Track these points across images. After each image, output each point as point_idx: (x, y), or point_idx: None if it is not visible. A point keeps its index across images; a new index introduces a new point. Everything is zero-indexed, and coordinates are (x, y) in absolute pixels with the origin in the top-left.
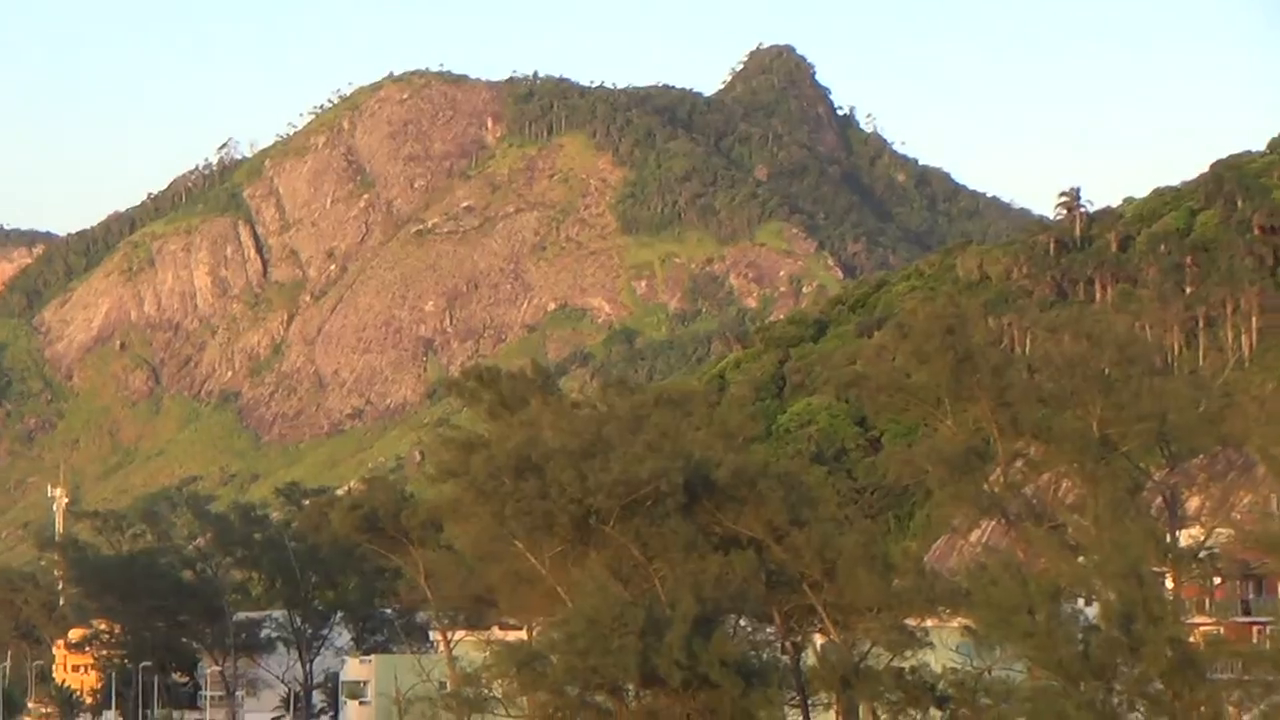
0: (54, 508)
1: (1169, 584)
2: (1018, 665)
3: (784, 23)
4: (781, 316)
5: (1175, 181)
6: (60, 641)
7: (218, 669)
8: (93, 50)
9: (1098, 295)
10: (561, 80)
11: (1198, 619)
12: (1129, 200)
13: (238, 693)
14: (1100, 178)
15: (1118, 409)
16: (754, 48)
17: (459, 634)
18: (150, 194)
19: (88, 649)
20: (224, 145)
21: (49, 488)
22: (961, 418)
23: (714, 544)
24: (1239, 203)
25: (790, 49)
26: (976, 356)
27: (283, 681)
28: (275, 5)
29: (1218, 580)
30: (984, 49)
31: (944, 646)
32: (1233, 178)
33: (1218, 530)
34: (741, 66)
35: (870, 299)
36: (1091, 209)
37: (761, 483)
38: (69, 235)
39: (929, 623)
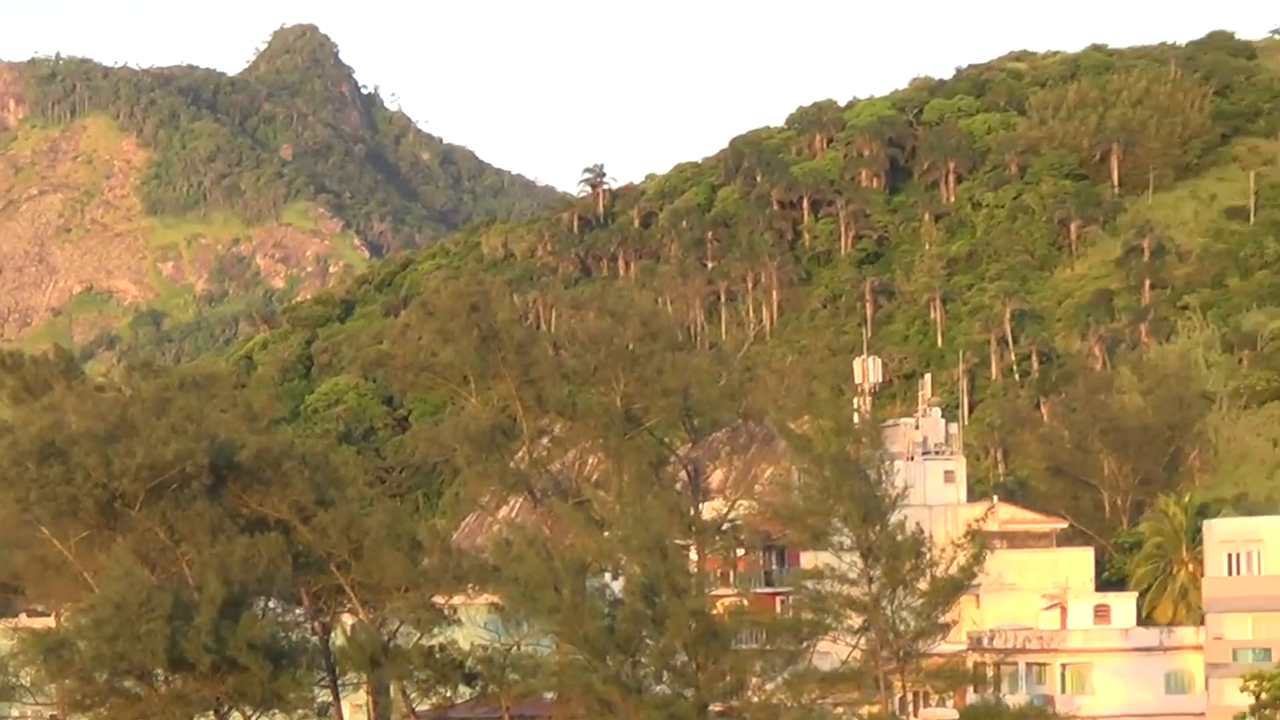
0: None
1: (693, 557)
2: (546, 640)
3: (307, 1)
4: (309, 296)
5: (696, 157)
6: None
7: None
8: None
9: (621, 271)
10: (85, 61)
11: (721, 591)
12: (651, 176)
13: None
14: (623, 154)
15: (642, 384)
16: (277, 27)
17: None
18: None
19: None
20: None
21: None
22: (487, 395)
23: (241, 526)
24: (758, 178)
25: (314, 28)
26: (501, 334)
27: None
28: None
29: (740, 552)
30: (506, 27)
31: (472, 623)
32: (752, 153)
33: (740, 503)
34: (265, 46)
35: (396, 278)
36: (615, 185)
37: (287, 463)
38: None
39: (457, 600)
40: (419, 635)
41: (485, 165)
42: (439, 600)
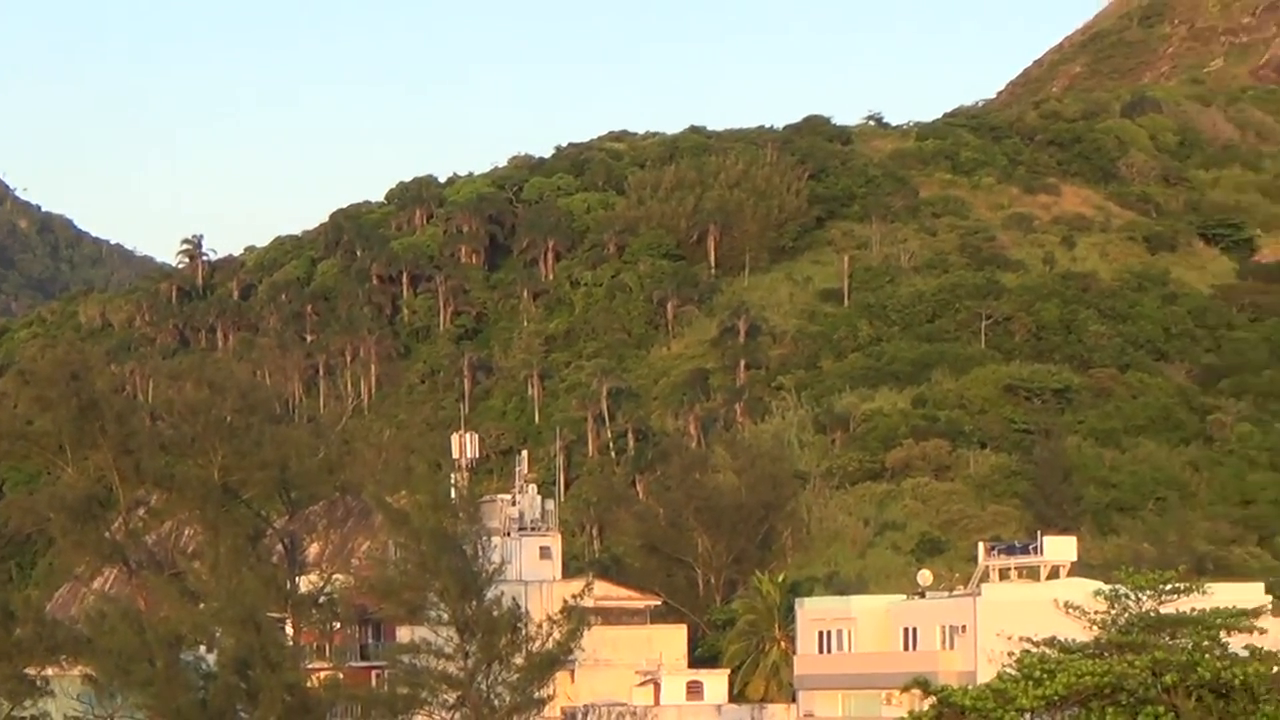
0: None
1: (289, 630)
2: (140, 713)
3: None
4: None
5: (296, 230)
6: None
7: None
8: None
9: (220, 343)
10: None
11: (317, 664)
12: (250, 249)
13: None
14: (222, 226)
15: (240, 456)
16: None
17: None
18: None
19: None
20: None
21: None
22: (84, 465)
23: None
24: (358, 252)
25: None
26: (100, 403)
27: None
28: None
29: (337, 625)
30: (100, 94)
31: (66, 695)
32: (352, 227)
33: (337, 576)
34: None
35: None
36: (214, 257)
37: None
38: None
39: (50, 671)
40: (10, 706)
41: (83, 234)
42: (31, 671)
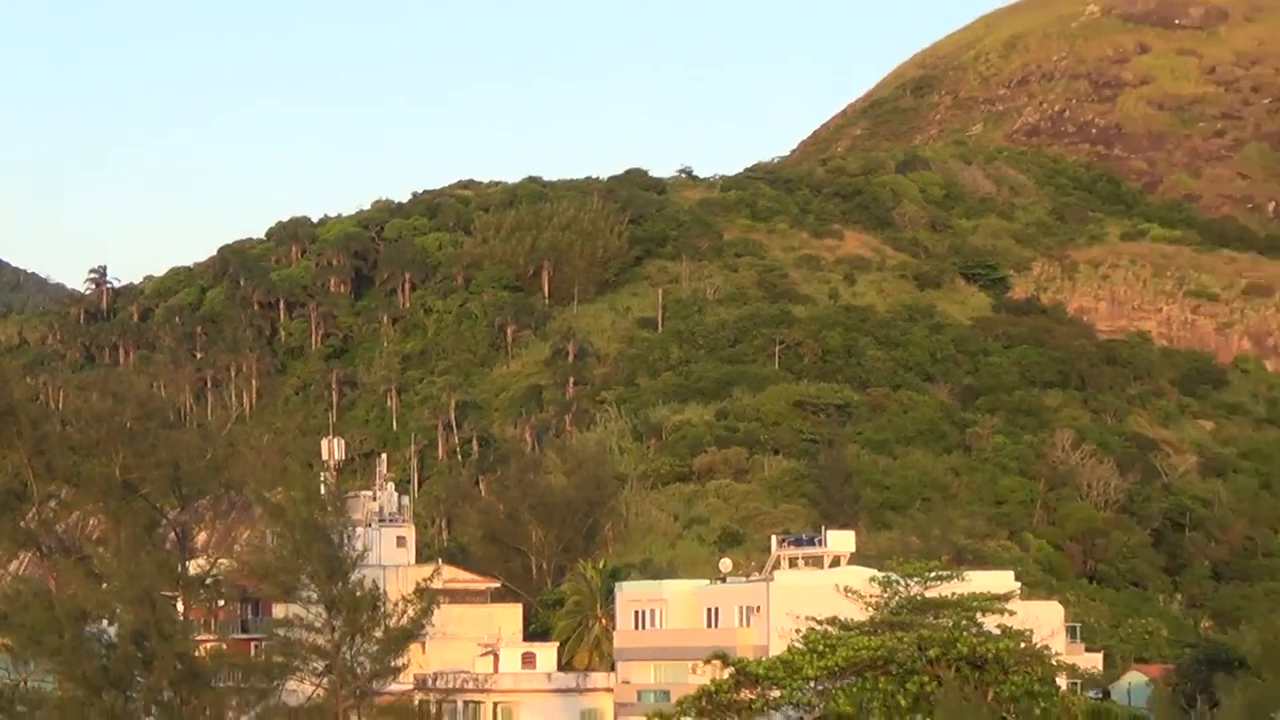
0: None
1: (180, 607)
2: (50, 678)
3: None
4: None
5: (189, 262)
6: None
7: None
8: None
9: (122, 359)
10: None
11: (204, 636)
12: (149, 278)
13: None
14: (126, 257)
15: (138, 457)
16: None
17: None
18: None
19: None
20: None
21: None
22: (2, 464)
23: None
24: (242, 282)
25: None
26: (16, 410)
27: None
28: None
29: (221, 603)
30: (21, 139)
31: None
32: (237, 260)
33: (221, 561)
34: None
35: None
36: (117, 284)
37: None
38: None
39: None
40: None
41: (3, 264)
42: None
